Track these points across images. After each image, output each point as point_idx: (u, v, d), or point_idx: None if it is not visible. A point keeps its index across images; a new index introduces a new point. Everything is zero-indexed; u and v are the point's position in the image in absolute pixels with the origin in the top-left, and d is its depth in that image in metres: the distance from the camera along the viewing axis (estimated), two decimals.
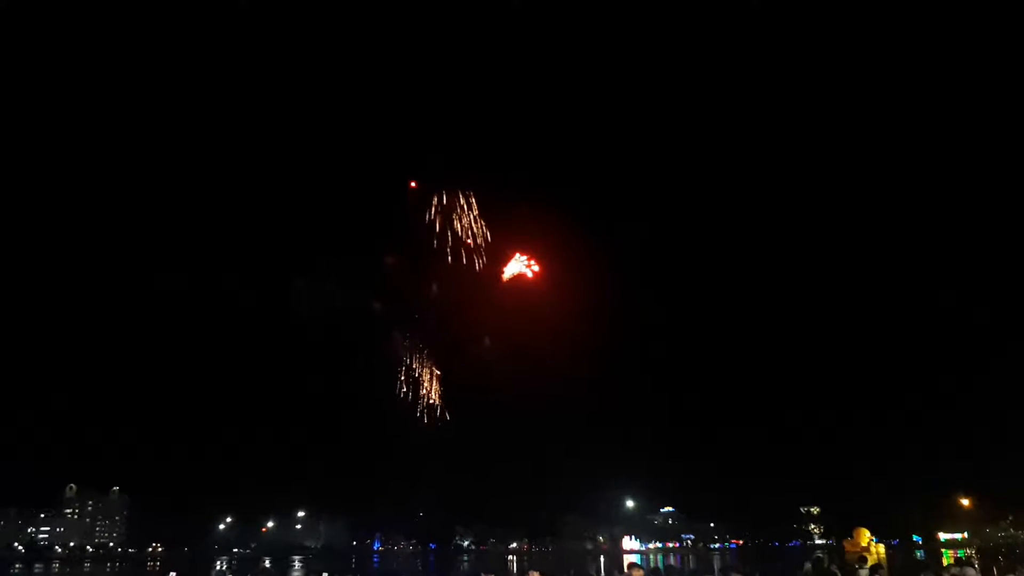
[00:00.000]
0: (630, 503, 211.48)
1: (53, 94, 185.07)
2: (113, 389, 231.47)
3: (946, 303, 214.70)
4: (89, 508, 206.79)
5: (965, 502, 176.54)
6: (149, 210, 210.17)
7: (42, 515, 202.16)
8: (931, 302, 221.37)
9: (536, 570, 17.65)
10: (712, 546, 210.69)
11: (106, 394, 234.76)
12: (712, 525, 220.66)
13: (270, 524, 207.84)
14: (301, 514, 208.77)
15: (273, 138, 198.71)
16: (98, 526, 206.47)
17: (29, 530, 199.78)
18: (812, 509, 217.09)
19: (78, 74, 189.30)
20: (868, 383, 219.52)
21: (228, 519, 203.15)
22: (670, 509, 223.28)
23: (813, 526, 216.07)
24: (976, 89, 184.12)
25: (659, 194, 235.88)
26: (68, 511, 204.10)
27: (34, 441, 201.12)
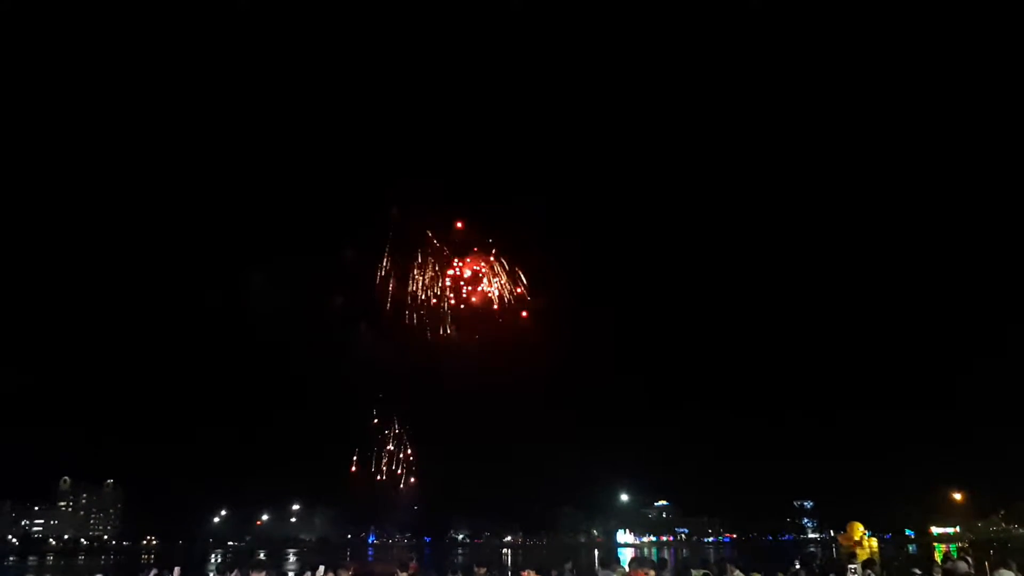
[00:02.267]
0: (624, 497, 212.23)
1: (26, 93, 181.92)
2: (107, 382, 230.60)
3: (939, 298, 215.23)
4: (83, 501, 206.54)
5: (957, 496, 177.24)
6: (136, 208, 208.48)
7: (36, 508, 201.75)
8: (924, 298, 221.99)
9: (531, 569, 17.13)
10: (706, 540, 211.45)
11: (99, 387, 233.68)
12: (706, 519, 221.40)
13: (265, 517, 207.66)
14: (296, 507, 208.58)
15: (238, 137, 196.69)
16: (92, 519, 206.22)
17: (23, 523, 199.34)
18: (805, 503, 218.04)
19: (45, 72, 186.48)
20: (862, 378, 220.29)
21: (223, 512, 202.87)
22: (664, 503, 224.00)
23: (807, 520, 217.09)
24: (977, 90, 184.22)
25: (657, 193, 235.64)
26: (62, 504, 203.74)
27: (28, 434, 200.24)
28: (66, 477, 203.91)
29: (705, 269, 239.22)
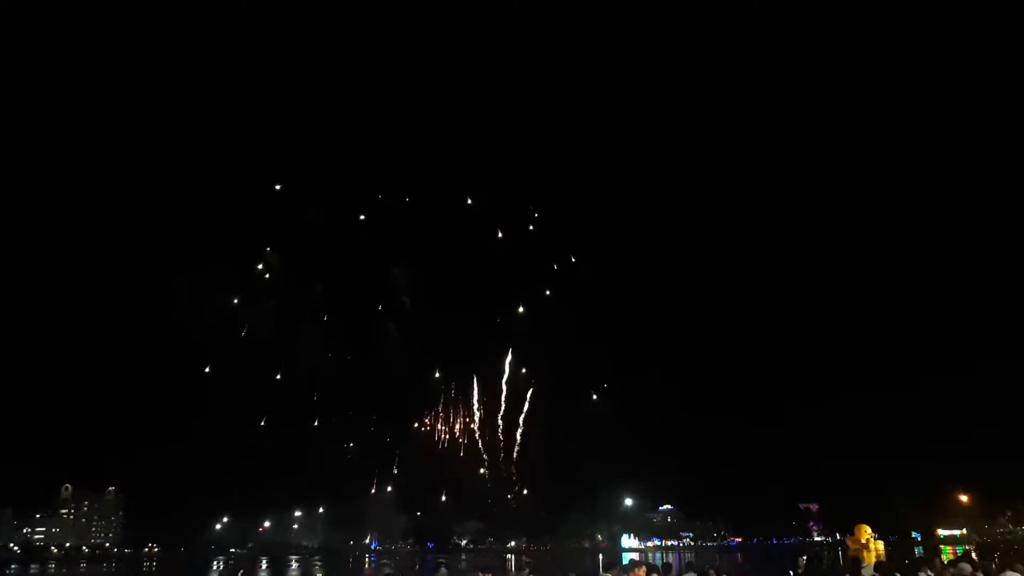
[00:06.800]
0: (628, 501, 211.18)
1: None
2: (109, 389, 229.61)
3: (942, 295, 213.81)
4: (85, 508, 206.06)
5: (964, 498, 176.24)
6: (143, 209, 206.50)
7: (38, 516, 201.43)
8: (927, 295, 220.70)
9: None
10: (710, 544, 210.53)
11: (101, 394, 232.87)
12: (711, 523, 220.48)
13: (267, 524, 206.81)
14: (298, 513, 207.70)
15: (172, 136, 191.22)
16: (94, 526, 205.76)
17: (25, 531, 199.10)
18: (811, 506, 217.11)
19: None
20: (866, 379, 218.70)
21: (225, 519, 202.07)
22: (669, 507, 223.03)
23: (812, 523, 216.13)
24: (976, 92, 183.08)
25: (657, 193, 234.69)
26: (64, 511, 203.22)
27: (30, 441, 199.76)
28: (67, 485, 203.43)
29: (704, 269, 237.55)
